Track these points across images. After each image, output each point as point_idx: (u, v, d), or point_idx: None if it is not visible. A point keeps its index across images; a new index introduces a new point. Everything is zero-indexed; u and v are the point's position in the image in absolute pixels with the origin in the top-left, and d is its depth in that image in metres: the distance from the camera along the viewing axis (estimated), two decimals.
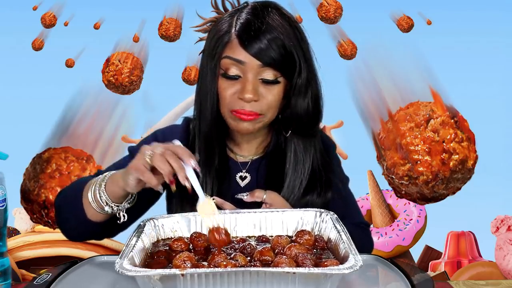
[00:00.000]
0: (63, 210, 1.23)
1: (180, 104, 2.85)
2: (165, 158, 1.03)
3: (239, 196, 1.25)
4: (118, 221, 1.13)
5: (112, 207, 1.11)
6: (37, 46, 2.95)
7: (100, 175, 1.16)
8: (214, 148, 1.29)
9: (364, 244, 1.23)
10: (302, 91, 1.23)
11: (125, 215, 1.13)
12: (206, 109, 1.25)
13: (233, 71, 1.20)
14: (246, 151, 1.34)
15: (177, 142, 1.08)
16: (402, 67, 2.50)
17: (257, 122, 1.23)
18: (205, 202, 1.07)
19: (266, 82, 1.20)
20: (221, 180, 1.28)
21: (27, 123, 2.79)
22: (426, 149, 2.28)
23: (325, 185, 1.30)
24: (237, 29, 1.20)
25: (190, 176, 1.04)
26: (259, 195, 1.22)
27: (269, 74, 1.20)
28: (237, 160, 1.33)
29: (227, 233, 1.04)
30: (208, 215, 1.06)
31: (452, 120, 2.32)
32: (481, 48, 2.79)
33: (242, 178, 1.32)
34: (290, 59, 1.20)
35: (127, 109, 2.76)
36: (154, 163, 1.03)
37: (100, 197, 1.11)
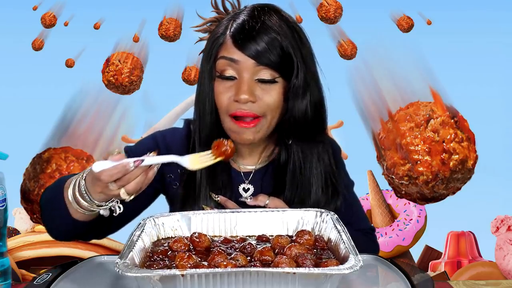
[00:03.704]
0: (47, 208, 1.18)
1: (180, 104, 2.85)
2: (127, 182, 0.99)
3: (243, 199, 1.25)
4: (114, 214, 1.07)
5: (103, 207, 1.06)
6: (37, 46, 2.95)
7: (76, 176, 1.09)
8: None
9: (368, 250, 1.18)
10: (300, 93, 1.20)
11: (121, 206, 1.06)
12: (205, 114, 1.23)
13: (229, 72, 1.18)
14: (249, 160, 1.31)
15: (99, 168, 0.98)
16: (402, 67, 2.50)
17: (258, 129, 1.19)
18: (190, 159, 1.04)
19: (263, 81, 1.17)
20: (224, 192, 1.26)
21: (27, 123, 2.79)
22: (426, 149, 2.28)
23: (332, 195, 1.27)
24: (231, 30, 1.18)
25: (150, 162, 0.99)
26: (262, 199, 1.22)
27: (265, 74, 1.17)
28: (239, 170, 1.30)
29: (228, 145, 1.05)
30: (202, 162, 1.05)
31: (452, 120, 2.32)
32: (481, 48, 2.79)
33: (245, 190, 1.29)
34: (288, 59, 1.17)
35: (127, 109, 2.76)
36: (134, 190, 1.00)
37: (85, 201, 1.05)
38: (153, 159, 0.99)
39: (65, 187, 1.10)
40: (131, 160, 0.98)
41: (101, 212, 1.06)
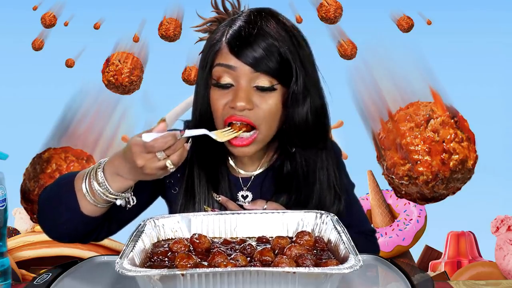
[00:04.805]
0: (49, 207, 1.17)
1: (180, 104, 2.85)
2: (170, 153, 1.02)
3: (240, 203, 1.24)
4: (128, 205, 1.10)
5: (119, 197, 1.08)
6: (37, 46, 2.95)
7: (89, 168, 1.10)
8: (213, 164, 1.25)
9: (368, 252, 1.15)
10: (300, 100, 1.17)
11: (134, 198, 1.10)
12: (202, 122, 1.20)
13: (225, 79, 1.15)
14: (249, 167, 1.29)
15: (149, 137, 1.01)
16: (402, 67, 2.50)
17: (254, 143, 1.17)
18: (216, 133, 1.13)
19: (261, 89, 1.14)
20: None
21: (27, 123, 2.79)
22: (426, 149, 2.28)
23: (333, 199, 1.26)
24: (227, 37, 1.16)
25: (190, 133, 1.05)
26: (261, 204, 1.21)
27: (263, 81, 1.14)
28: (238, 176, 1.29)
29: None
30: (227, 135, 1.14)
31: (452, 120, 2.32)
32: (481, 48, 2.79)
33: (244, 197, 1.28)
34: (286, 65, 1.14)
35: (127, 109, 2.76)
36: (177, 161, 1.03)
37: (103, 190, 1.06)
38: (191, 132, 1.05)
39: (76, 181, 1.10)
40: (178, 131, 1.04)
41: (118, 202, 1.08)
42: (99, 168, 1.07)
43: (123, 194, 1.08)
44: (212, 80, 1.17)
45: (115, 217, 1.19)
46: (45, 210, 1.19)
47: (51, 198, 1.17)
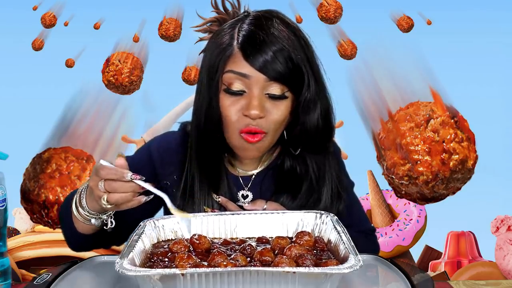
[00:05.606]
0: (61, 224, 1.22)
1: (180, 104, 2.86)
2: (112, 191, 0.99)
3: (240, 203, 1.24)
4: (105, 227, 1.10)
5: (95, 217, 1.08)
6: (37, 46, 2.96)
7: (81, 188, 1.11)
8: (212, 164, 1.24)
9: (368, 251, 1.16)
10: (311, 107, 1.16)
11: (113, 221, 1.09)
12: (207, 124, 1.19)
13: (237, 86, 1.13)
14: (249, 166, 1.28)
15: (103, 163, 1.01)
16: (402, 67, 2.50)
17: (261, 143, 1.16)
18: (175, 210, 1.07)
19: (272, 97, 1.14)
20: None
21: (27, 123, 2.79)
22: (426, 149, 2.28)
23: (335, 200, 1.26)
24: (239, 41, 1.13)
25: (144, 185, 1.01)
26: (260, 204, 1.21)
27: (275, 89, 1.13)
28: (238, 175, 1.28)
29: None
30: (186, 214, 1.08)
31: (452, 120, 2.32)
32: (481, 48, 2.80)
33: (244, 197, 1.27)
34: (298, 72, 1.14)
35: (127, 109, 2.76)
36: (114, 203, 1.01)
37: (81, 208, 1.07)
38: (148, 186, 1.01)
39: (73, 201, 1.12)
40: (131, 172, 1.00)
41: (92, 221, 1.08)
42: (85, 187, 1.08)
43: (102, 215, 1.07)
44: (222, 85, 1.15)
45: (125, 226, 1.17)
46: (60, 225, 1.24)
47: (61, 214, 1.22)
